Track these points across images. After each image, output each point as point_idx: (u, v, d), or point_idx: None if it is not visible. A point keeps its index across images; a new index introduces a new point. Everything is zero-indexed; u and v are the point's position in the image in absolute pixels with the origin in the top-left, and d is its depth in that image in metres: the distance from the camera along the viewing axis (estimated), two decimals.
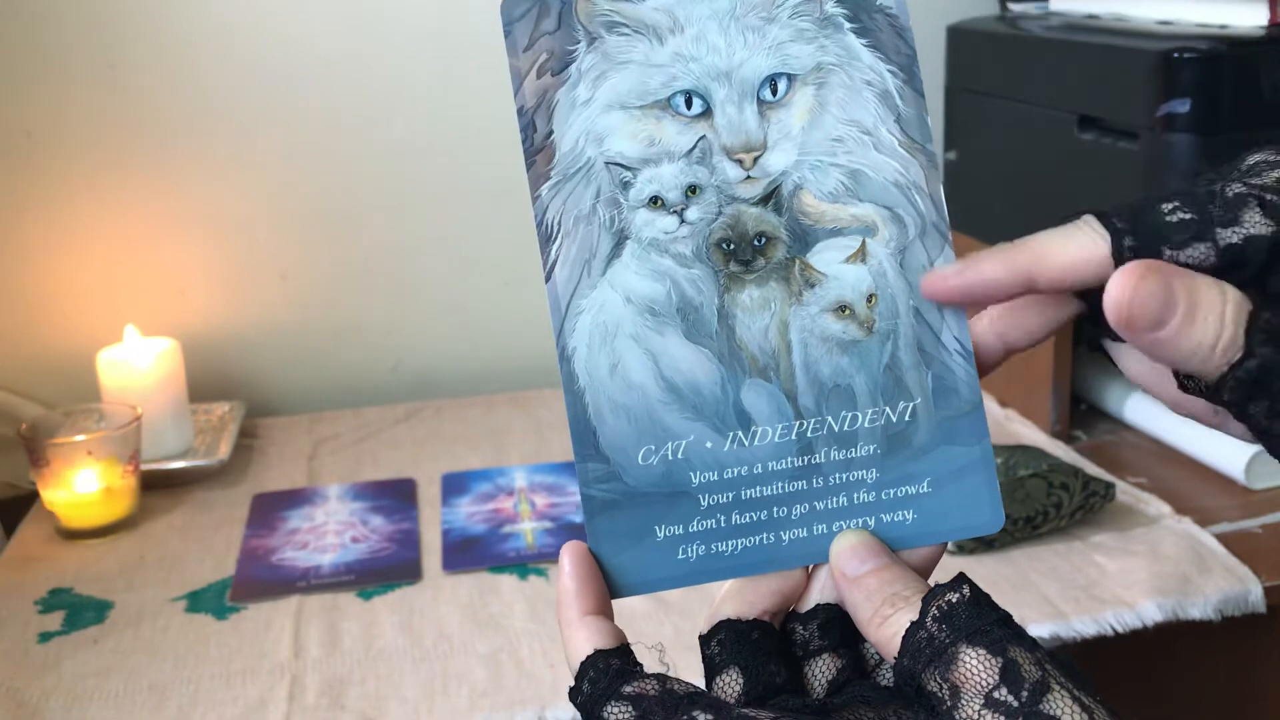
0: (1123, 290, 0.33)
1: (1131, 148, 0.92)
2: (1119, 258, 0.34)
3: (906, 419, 0.40)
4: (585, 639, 0.36)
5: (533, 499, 1.00)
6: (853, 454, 0.40)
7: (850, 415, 0.40)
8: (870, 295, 0.40)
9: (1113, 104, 0.94)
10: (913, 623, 0.35)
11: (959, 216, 1.22)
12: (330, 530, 0.97)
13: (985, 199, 1.16)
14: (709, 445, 0.39)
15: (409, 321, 1.27)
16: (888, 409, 0.40)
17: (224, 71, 1.16)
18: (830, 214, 0.40)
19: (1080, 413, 1.11)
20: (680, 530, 0.39)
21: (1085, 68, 0.98)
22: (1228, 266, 0.34)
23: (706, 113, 0.40)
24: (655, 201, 0.40)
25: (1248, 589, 0.82)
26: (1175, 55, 0.88)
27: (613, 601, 0.38)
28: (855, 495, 0.39)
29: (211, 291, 1.22)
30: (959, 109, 1.18)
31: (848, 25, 0.40)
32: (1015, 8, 1.19)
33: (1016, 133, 1.08)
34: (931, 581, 0.36)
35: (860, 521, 0.39)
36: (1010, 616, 0.35)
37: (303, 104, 1.19)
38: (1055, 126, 1.00)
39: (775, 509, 0.39)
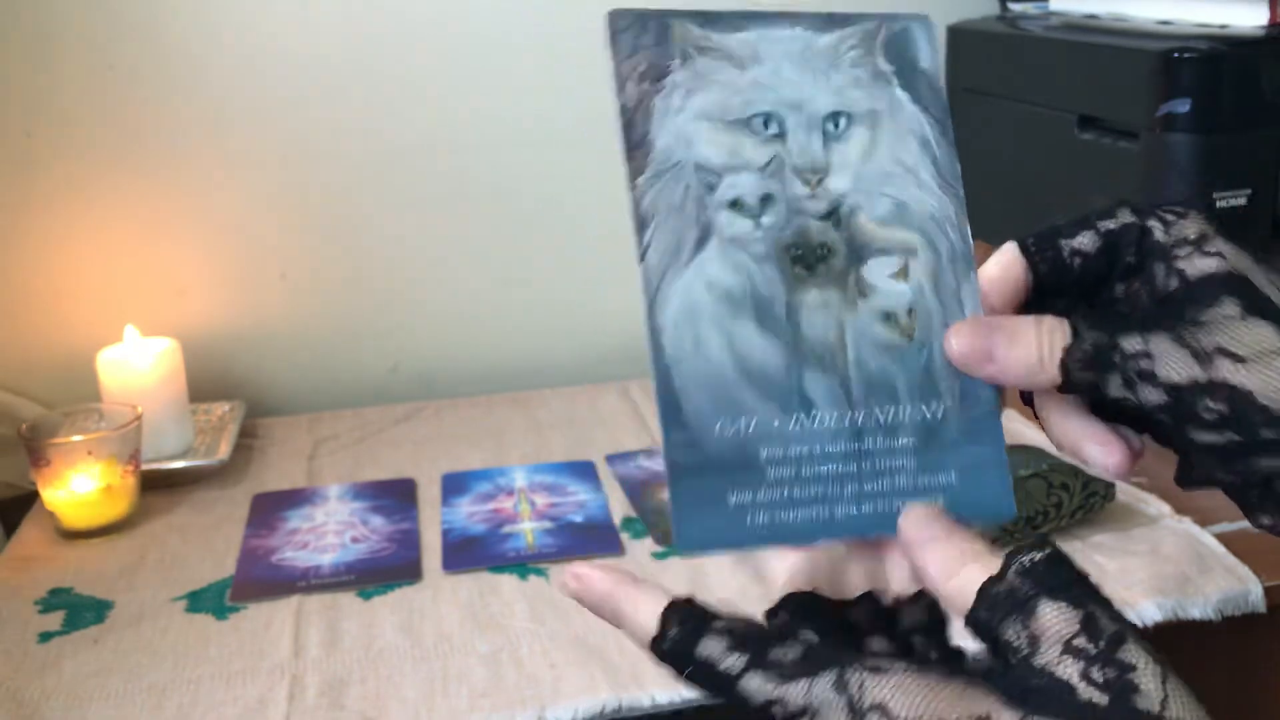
0: (953, 340, 0.43)
1: (1132, 147, 0.92)
2: (1025, 251, 0.43)
3: (939, 417, 0.45)
4: (652, 598, 0.38)
5: (533, 499, 1.00)
6: (895, 443, 0.45)
7: (894, 409, 0.45)
8: (910, 309, 0.45)
9: (1113, 104, 0.94)
10: (992, 577, 0.36)
11: None
12: (330, 530, 0.97)
13: (985, 199, 1.16)
14: (776, 423, 0.44)
15: (409, 321, 1.27)
16: (924, 406, 0.45)
17: (223, 72, 1.16)
18: (881, 235, 0.46)
19: None
20: (749, 498, 0.43)
21: (1085, 67, 0.98)
22: (1106, 250, 0.43)
23: (780, 135, 0.46)
24: (735, 204, 0.45)
25: (1248, 589, 0.82)
26: (1175, 55, 0.88)
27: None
28: (896, 480, 0.44)
29: (211, 292, 1.22)
30: (959, 109, 1.18)
31: (896, 81, 0.47)
32: (1015, 8, 1.19)
33: (1016, 133, 1.08)
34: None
35: (901, 502, 0.44)
36: (1089, 576, 0.36)
37: (303, 104, 1.19)
38: (1055, 126, 1.00)
39: (830, 486, 0.44)
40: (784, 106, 0.46)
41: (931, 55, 0.48)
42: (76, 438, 0.97)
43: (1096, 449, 0.42)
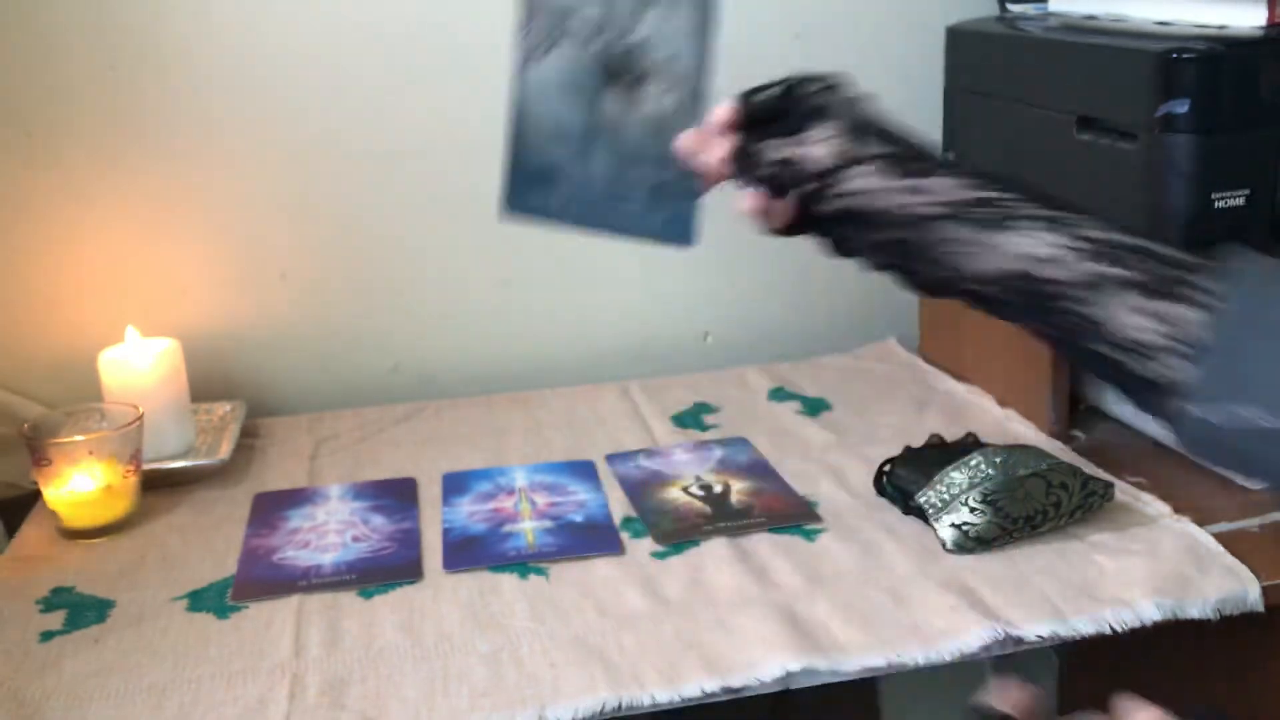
0: (681, 141, 0.77)
1: (1130, 148, 0.92)
2: (739, 100, 0.75)
3: (665, 182, 0.79)
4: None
5: (533, 498, 1.01)
6: (638, 189, 0.80)
7: (642, 171, 0.80)
8: (663, 116, 0.79)
9: (1111, 104, 0.95)
10: None
11: None
12: (331, 529, 0.97)
13: None
14: (574, 159, 0.80)
15: (409, 321, 1.27)
16: (659, 173, 0.79)
17: (224, 72, 1.17)
18: (656, 70, 0.80)
19: (1079, 412, 1.12)
20: (552, 197, 0.80)
21: (1084, 68, 0.98)
22: (789, 102, 0.74)
23: (611, 2, 0.79)
24: (578, 32, 0.79)
25: (1246, 588, 0.82)
26: (1174, 56, 0.88)
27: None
28: (635, 208, 0.80)
29: (212, 292, 1.22)
30: (958, 109, 1.18)
31: None
32: (1014, 9, 1.19)
33: (1015, 133, 1.08)
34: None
35: (639, 217, 0.80)
36: None
37: (304, 104, 1.19)
38: (1054, 127, 1.00)
39: (598, 202, 0.80)
40: None
41: None
42: (78, 437, 0.97)
43: (750, 203, 0.74)
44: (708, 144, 0.76)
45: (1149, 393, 0.65)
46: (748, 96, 0.75)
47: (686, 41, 0.79)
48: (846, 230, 0.72)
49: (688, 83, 0.80)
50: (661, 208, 0.80)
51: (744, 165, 0.74)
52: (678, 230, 0.81)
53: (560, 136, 0.80)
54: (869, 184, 0.69)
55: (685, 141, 0.77)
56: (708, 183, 0.78)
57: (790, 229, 0.75)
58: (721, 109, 0.75)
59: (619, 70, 0.80)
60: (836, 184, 0.70)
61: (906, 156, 0.70)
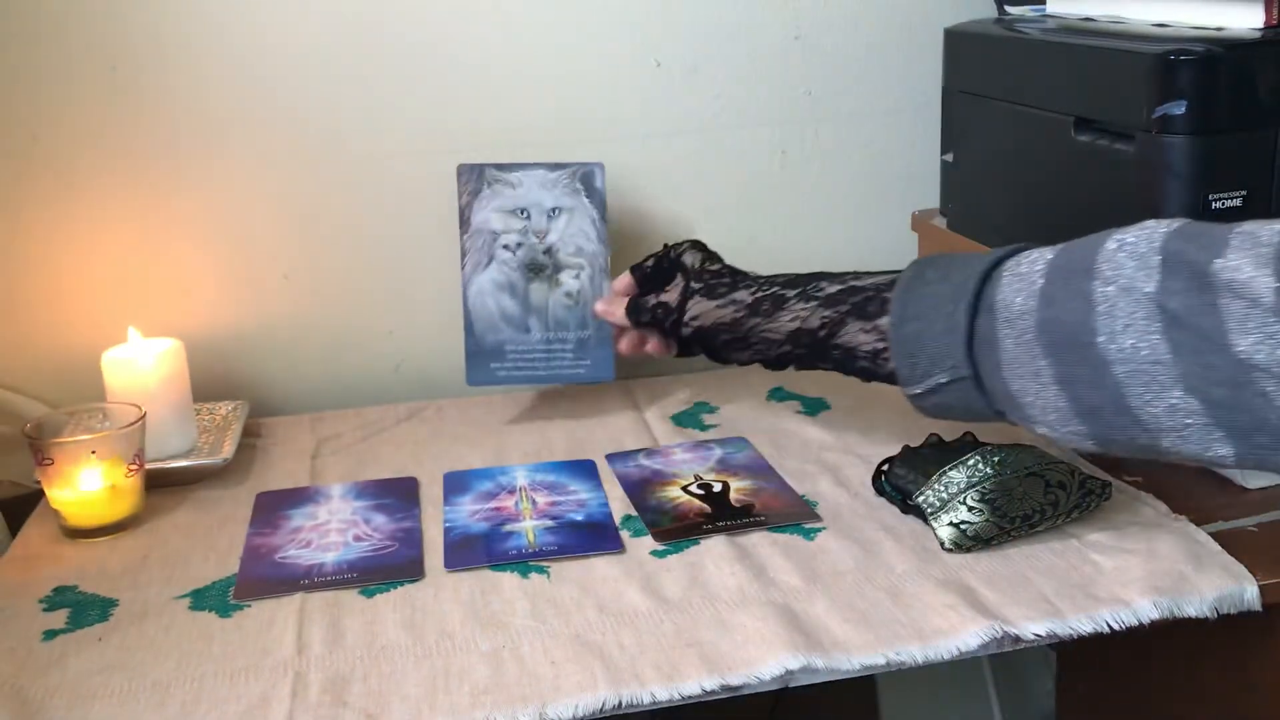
0: (596, 305, 1.12)
1: (1128, 149, 0.92)
2: (632, 271, 1.10)
3: (585, 334, 1.12)
4: None
5: (534, 497, 1.01)
6: (565, 348, 1.12)
7: (566, 334, 1.12)
8: (579, 292, 1.12)
9: (1109, 106, 0.95)
10: None
11: (957, 218, 1.22)
12: (333, 529, 0.97)
13: (982, 201, 1.17)
14: (514, 337, 1.12)
15: (411, 321, 1.28)
16: (580, 333, 1.12)
17: (226, 73, 1.17)
18: (568, 260, 1.12)
19: None
20: (501, 365, 1.13)
21: (1082, 70, 0.98)
22: (667, 266, 1.07)
23: (528, 216, 1.12)
24: (505, 247, 1.12)
25: (1244, 587, 0.83)
26: (1171, 57, 0.88)
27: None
28: (564, 362, 1.12)
29: (215, 292, 1.22)
30: (956, 111, 1.19)
31: (582, 192, 1.12)
32: (1012, 11, 1.20)
33: (1013, 134, 1.09)
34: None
35: (570, 366, 1.13)
36: None
37: (305, 105, 1.19)
38: (1052, 128, 1.01)
39: (535, 363, 1.12)
40: (530, 204, 1.11)
41: (601, 180, 1.11)
42: (81, 437, 0.97)
43: (627, 344, 1.08)
44: (613, 306, 1.06)
45: (896, 385, 0.88)
46: (635, 268, 1.07)
47: (587, 237, 1.11)
48: (705, 344, 1.01)
49: (593, 264, 1.11)
50: (585, 357, 1.12)
51: (635, 315, 1.04)
52: (599, 371, 1.12)
53: (503, 321, 1.11)
54: (700, 308, 0.99)
55: (598, 307, 1.09)
56: (617, 333, 1.07)
57: (681, 352, 1.05)
58: (619, 280, 1.07)
59: (540, 267, 1.10)
60: (683, 314, 1.00)
61: (718, 283, 0.99)
